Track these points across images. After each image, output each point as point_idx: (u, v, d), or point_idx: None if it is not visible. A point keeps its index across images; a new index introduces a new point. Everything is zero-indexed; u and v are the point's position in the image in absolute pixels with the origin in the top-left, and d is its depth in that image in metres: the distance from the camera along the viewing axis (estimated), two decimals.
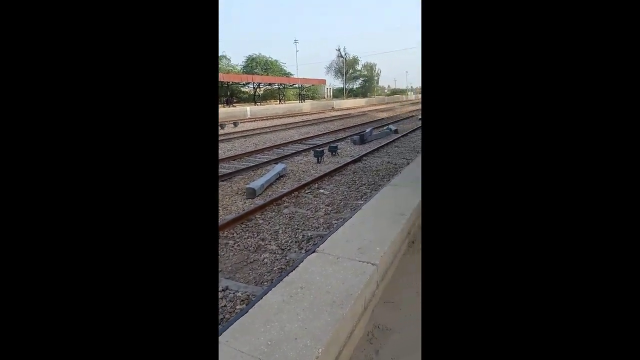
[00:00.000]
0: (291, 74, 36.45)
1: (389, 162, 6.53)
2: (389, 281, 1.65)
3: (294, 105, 24.65)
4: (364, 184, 5.05)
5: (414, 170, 3.15)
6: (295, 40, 46.96)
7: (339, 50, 45.21)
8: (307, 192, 4.67)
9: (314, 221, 3.62)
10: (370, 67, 49.78)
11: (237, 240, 3.09)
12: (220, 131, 11.17)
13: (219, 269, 2.44)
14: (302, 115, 19.90)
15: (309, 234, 3.24)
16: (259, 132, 11.68)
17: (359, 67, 48.05)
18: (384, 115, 18.94)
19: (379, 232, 1.75)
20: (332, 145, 7.73)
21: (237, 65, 33.16)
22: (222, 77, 20.35)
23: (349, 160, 6.59)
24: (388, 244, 1.62)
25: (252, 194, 4.44)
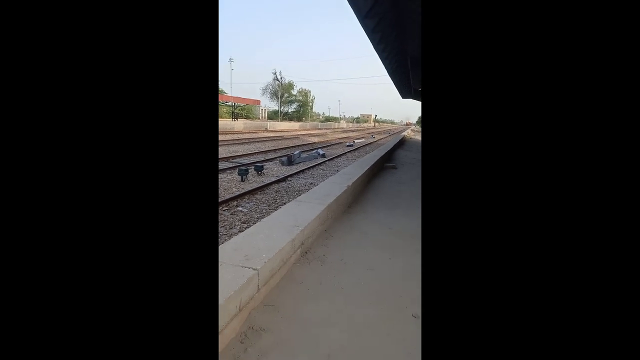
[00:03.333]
0: (224, 92, 35.81)
1: (311, 184, 6.79)
2: (274, 287, 1.75)
3: (225, 122, 24.02)
4: (284, 203, 5.16)
5: (322, 188, 3.38)
6: (230, 59, 46.78)
7: (275, 73, 46.32)
8: (224, 209, 4.60)
9: (225, 238, 3.59)
10: (305, 93, 51.81)
11: None
12: None
13: None
14: (234, 134, 19.54)
15: None
16: None
17: (294, 92, 49.66)
18: (316, 139, 19.70)
19: (270, 242, 1.86)
20: (257, 164, 7.76)
21: None
22: None
23: (273, 179, 6.69)
24: (275, 252, 1.74)
25: None
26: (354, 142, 18.63)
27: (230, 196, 5.12)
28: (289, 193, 5.90)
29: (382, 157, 6.92)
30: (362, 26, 6.97)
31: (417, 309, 1.70)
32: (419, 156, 9.51)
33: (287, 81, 47.41)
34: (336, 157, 11.46)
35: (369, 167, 4.99)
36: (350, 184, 3.67)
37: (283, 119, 41.88)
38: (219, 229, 3.82)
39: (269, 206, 4.96)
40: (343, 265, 2.12)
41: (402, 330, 1.53)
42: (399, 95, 23.71)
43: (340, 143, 18.05)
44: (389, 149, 9.09)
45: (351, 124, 70.12)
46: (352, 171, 4.56)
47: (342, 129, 40.62)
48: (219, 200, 4.81)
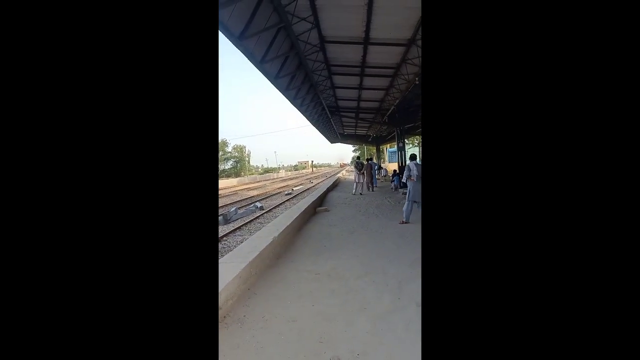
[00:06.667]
0: None
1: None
2: None
3: None
4: None
5: (248, 244, 3.38)
6: None
7: None
8: None
9: None
10: (240, 149, 52.13)
11: None
12: None
13: None
14: None
15: None
16: None
17: (228, 149, 49.59)
18: (255, 192, 19.55)
19: None
20: None
21: None
22: None
23: None
24: None
25: None
26: (292, 190, 18.91)
27: None
28: (223, 255, 5.68)
29: (313, 202, 7.17)
30: (275, 86, 7.56)
31: (335, 352, 1.75)
32: (350, 196, 10.02)
33: (219, 140, 47.47)
34: (275, 207, 11.45)
35: (298, 215, 5.12)
36: (276, 235, 3.73)
37: (220, 177, 41.04)
38: None
39: None
40: (264, 323, 2.11)
41: None
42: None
43: (279, 193, 18.16)
44: (321, 193, 9.45)
45: (290, 172, 71.48)
46: (281, 222, 4.64)
47: (281, 179, 41.00)
48: None
